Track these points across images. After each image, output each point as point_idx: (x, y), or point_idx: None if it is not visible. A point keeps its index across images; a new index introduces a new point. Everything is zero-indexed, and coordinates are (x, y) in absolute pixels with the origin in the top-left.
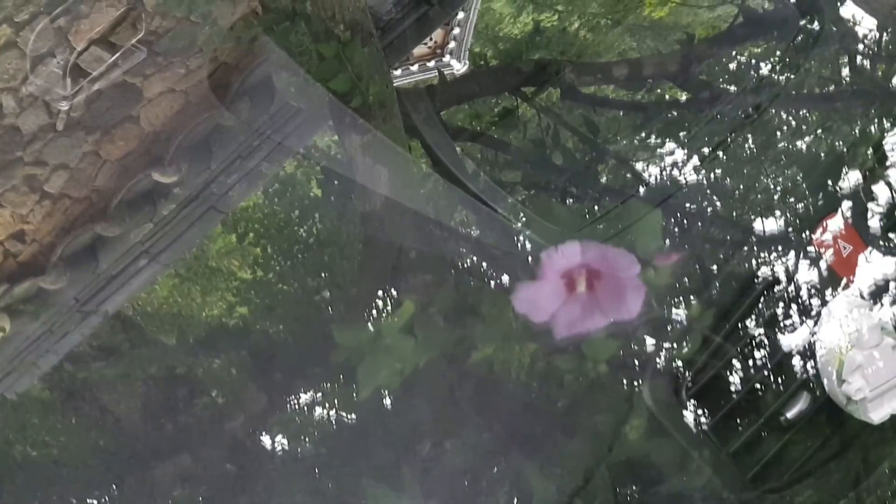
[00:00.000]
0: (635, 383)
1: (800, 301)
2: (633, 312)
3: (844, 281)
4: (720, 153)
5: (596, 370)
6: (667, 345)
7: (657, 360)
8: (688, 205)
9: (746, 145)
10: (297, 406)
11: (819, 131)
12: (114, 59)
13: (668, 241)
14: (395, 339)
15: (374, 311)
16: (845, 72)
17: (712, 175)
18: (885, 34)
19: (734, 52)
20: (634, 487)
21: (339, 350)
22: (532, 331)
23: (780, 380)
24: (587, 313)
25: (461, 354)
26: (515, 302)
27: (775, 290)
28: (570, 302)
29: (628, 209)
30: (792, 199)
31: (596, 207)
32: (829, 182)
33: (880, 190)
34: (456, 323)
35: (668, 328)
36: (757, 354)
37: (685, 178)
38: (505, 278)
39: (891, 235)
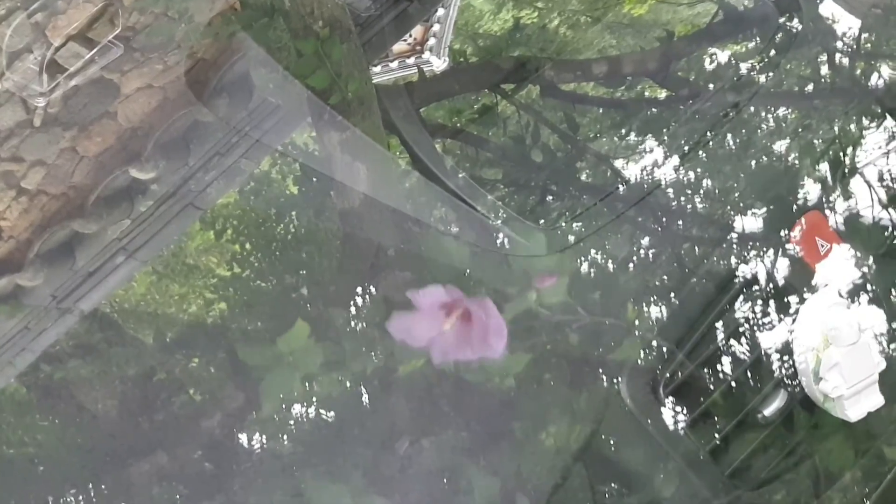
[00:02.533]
0: (614, 381)
1: (777, 299)
2: (497, 353)
3: (822, 279)
4: (699, 151)
5: (504, 383)
6: (644, 343)
7: (637, 360)
8: (667, 203)
9: (726, 143)
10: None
11: (798, 129)
12: (91, 54)
13: (645, 242)
14: (297, 356)
15: (353, 308)
16: (824, 70)
17: (692, 173)
18: (864, 32)
19: (713, 50)
20: (613, 486)
21: (250, 369)
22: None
23: (757, 378)
24: (459, 345)
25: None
26: (391, 329)
27: (753, 288)
28: (445, 333)
29: (601, 213)
30: (771, 198)
31: (575, 205)
32: (808, 180)
33: (859, 187)
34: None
35: (644, 327)
36: (735, 352)
37: (664, 176)
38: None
39: (869, 233)
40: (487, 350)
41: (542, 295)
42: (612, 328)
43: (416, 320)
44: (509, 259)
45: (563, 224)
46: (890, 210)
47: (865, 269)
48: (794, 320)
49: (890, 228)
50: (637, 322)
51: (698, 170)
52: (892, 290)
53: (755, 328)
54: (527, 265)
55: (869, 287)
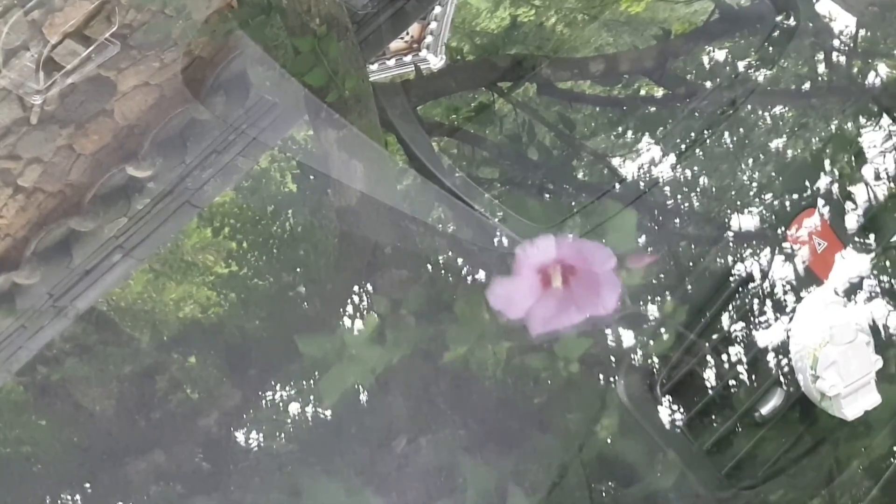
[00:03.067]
0: (611, 379)
1: (775, 297)
2: (609, 308)
3: (819, 278)
4: (696, 149)
5: (568, 369)
6: (641, 341)
7: (632, 356)
8: (663, 201)
9: (722, 141)
10: (271, 402)
11: (795, 128)
12: (88, 52)
13: (642, 240)
14: (360, 350)
15: (350, 308)
16: (821, 68)
17: (688, 171)
18: (860, 30)
19: (710, 48)
20: (610, 484)
21: (305, 359)
22: (506, 329)
23: (754, 376)
24: (562, 309)
25: (434, 354)
26: (490, 297)
27: (750, 286)
28: (545, 297)
29: (604, 207)
30: (768, 196)
31: (573, 203)
32: (805, 179)
33: (856, 187)
34: (429, 322)
35: (642, 325)
36: (732, 351)
37: (661, 174)
38: (480, 275)
39: (866, 232)
40: (598, 304)
41: (630, 275)
42: (649, 321)
43: (516, 285)
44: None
45: (560, 222)
46: (886, 209)
47: (862, 268)
48: (791, 319)
49: (885, 227)
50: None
51: (695, 168)
52: (890, 287)
53: (752, 327)
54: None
55: (866, 286)
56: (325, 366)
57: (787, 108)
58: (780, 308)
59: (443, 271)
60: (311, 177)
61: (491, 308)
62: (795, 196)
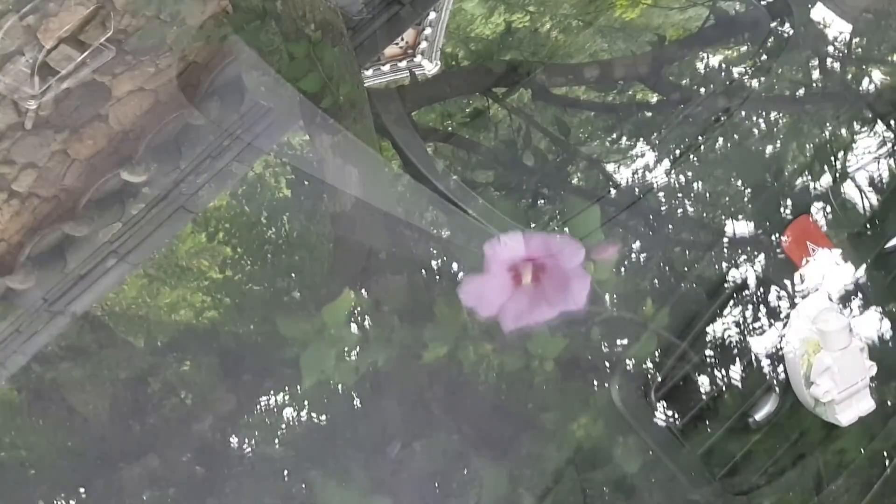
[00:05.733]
0: (606, 384)
1: (768, 303)
2: (579, 303)
3: (813, 283)
4: (690, 155)
5: (544, 367)
6: (634, 346)
7: (626, 361)
8: (658, 206)
9: (717, 147)
10: (265, 407)
11: (790, 134)
12: (83, 57)
13: (636, 245)
14: (339, 329)
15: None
16: (816, 74)
17: (682, 177)
18: (855, 37)
19: (705, 54)
20: (604, 489)
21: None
22: (485, 329)
23: (748, 381)
24: (534, 305)
25: (414, 355)
26: (462, 295)
27: (745, 292)
28: (516, 294)
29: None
30: (762, 202)
31: (567, 209)
32: (799, 184)
33: (850, 192)
34: (411, 323)
35: (635, 329)
36: (726, 356)
37: (656, 180)
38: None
39: (860, 238)
40: (569, 299)
41: (598, 268)
42: (629, 324)
43: (488, 283)
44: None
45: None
46: (880, 215)
47: (856, 274)
48: (784, 324)
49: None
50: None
51: (689, 174)
52: (882, 294)
53: (746, 332)
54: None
55: (860, 291)
56: (304, 345)
57: (781, 114)
58: (774, 314)
59: (437, 276)
60: (306, 182)
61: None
62: (790, 202)
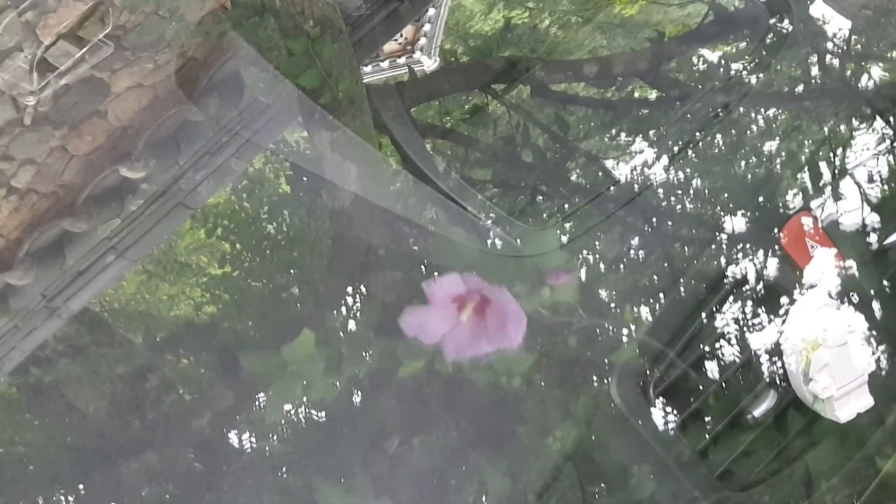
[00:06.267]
0: (605, 381)
1: (767, 300)
2: (515, 342)
3: (812, 280)
4: (689, 151)
5: (511, 384)
6: (630, 344)
7: (625, 360)
8: (657, 203)
9: (716, 144)
10: (263, 404)
11: (788, 130)
12: (81, 53)
13: (634, 242)
14: (301, 365)
15: (343, 309)
16: (815, 71)
17: (682, 173)
18: (854, 34)
19: (704, 51)
20: (602, 486)
21: (249, 375)
22: None
23: (747, 378)
24: (474, 339)
25: (390, 369)
26: (403, 325)
27: (743, 288)
28: (458, 327)
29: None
30: (761, 199)
31: (566, 205)
32: (798, 181)
33: (849, 189)
34: (385, 337)
35: (633, 328)
36: (725, 353)
37: (655, 176)
38: None
39: (859, 235)
40: (505, 340)
41: (555, 292)
42: (609, 330)
43: (430, 314)
44: (517, 257)
45: (553, 224)
46: (879, 212)
47: (855, 271)
48: (783, 321)
49: (878, 230)
50: (633, 325)
51: (688, 170)
52: (881, 291)
53: (745, 329)
54: (538, 262)
55: (858, 288)
56: (269, 381)
57: (780, 111)
58: (773, 310)
59: (436, 273)
60: (305, 178)
61: None
62: (789, 198)
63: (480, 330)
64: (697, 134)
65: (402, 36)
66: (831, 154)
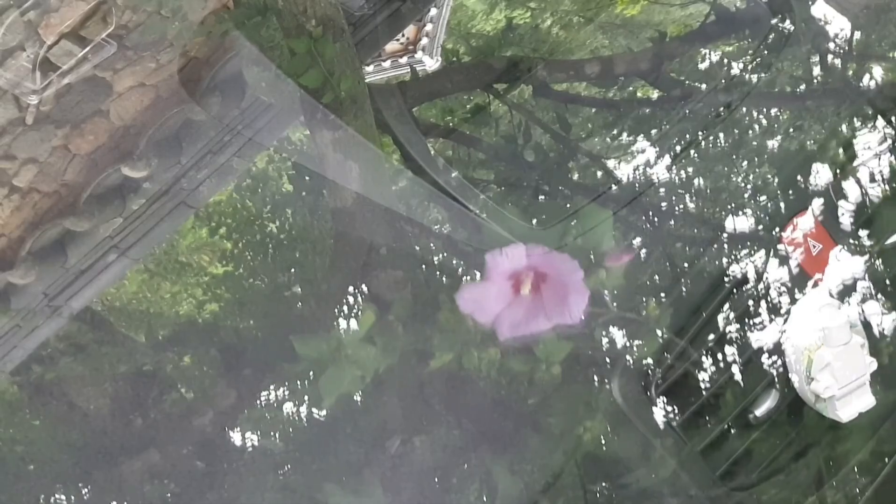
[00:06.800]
0: (605, 380)
1: (769, 299)
2: (576, 317)
3: (814, 279)
4: (691, 151)
5: (550, 371)
6: (634, 343)
7: (627, 357)
8: (658, 202)
9: (718, 143)
10: (266, 402)
11: (790, 130)
12: (84, 52)
13: (636, 241)
14: (356, 349)
15: (345, 308)
16: (816, 70)
17: (683, 173)
18: (855, 33)
19: (706, 51)
20: (604, 484)
21: (302, 360)
22: (489, 334)
23: (749, 377)
24: (531, 316)
25: (421, 360)
26: (460, 301)
27: (745, 287)
28: (514, 303)
29: (588, 211)
30: (763, 198)
31: (568, 205)
32: (800, 180)
33: (850, 188)
34: (415, 328)
35: (635, 327)
36: (726, 352)
37: (656, 176)
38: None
39: (860, 234)
40: (566, 314)
41: (609, 275)
42: (633, 323)
43: (488, 289)
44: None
45: (555, 223)
46: (880, 211)
47: (857, 269)
48: (785, 320)
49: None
50: (657, 321)
51: (690, 170)
52: (885, 289)
53: (747, 328)
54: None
55: (860, 287)
56: (322, 366)
57: (782, 111)
58: (774, 310)
59: (437, 273)
60: (307, 178)
61: None
62: (790, 198)
63: (538, 306)
64: (699, 134)
65: (403, 36)
66: (833, 154)
